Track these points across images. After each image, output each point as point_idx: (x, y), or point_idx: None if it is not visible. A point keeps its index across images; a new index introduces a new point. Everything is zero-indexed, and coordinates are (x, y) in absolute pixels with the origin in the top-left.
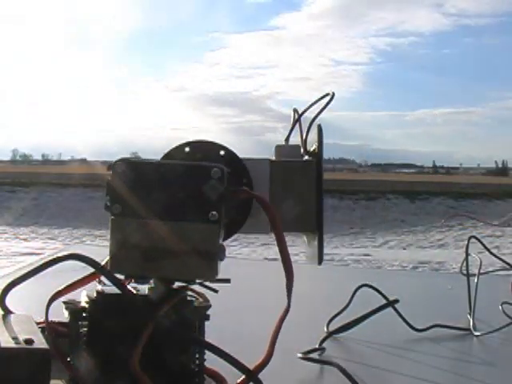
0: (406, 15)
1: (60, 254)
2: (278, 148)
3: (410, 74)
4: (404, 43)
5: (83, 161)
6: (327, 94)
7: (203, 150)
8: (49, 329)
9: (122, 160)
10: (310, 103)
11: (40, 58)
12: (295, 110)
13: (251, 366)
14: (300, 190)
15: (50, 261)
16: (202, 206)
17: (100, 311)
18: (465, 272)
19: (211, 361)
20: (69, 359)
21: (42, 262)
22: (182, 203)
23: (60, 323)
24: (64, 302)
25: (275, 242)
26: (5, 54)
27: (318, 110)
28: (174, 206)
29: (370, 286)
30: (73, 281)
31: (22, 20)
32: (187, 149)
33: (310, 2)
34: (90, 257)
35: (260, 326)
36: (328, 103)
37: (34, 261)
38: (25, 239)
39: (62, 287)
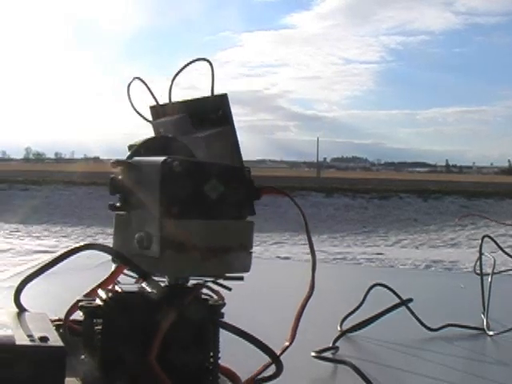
0: (416, 14)
1: (76, 245)
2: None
3: (421, 72)
4: (415, 42)
5: (96, 159)
6: (201, 59)
7: (154, 147)
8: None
9: (176, 159)
10: (180, 68)
11: (53, 57)
12: (155, 101)
13: (263, 362)
14: (225, 156)
15: (67, 252)
16: (240, 203)
17: (115, 310)
18: (478, 271)
19: (225, 358)
20: (83, 357)
21: (58, 254)
22: (225, 202)
23: (75, 321)
24: (78, 300)
25: (288, 241)
26: (18, 54)
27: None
28: (221, 205)
29: (384, 285)
30: (100, 281)
31: (34, 17)
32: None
33: (319, 1)
34: (109, 246)
35: (272, 322)
36: (213, 80)
37: (47, 259)
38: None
39: (89, 290)
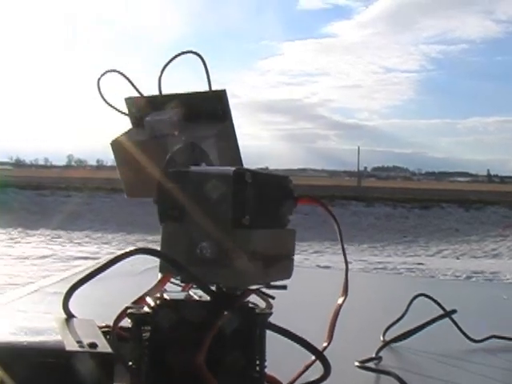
0: (457, 22)
1: (127, 249)
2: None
3: (461, 81)
4: (455, 51)
5: None
6: (190, 52)
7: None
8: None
9: (247, 170)
10: (168, 60)
11: (100, 64)
12: (138, 94)
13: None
14: (228, 152)
15: (118, 256)
16: (286, 212)
17: (163, 317)
18: None
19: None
20: (130, 364)
21: (108, 259)
22: (280, 211)
23: (122, 328)
24: (127, 307)
25: (328, 250)
26: (58, 61)
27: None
28: (277, 214)
29: (427, 296)
30: (148, 289)
31: (68, 23)
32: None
33: (360, 10)
34: (157, 249)
35: (312, 330)
36: (206, 70)
37: (92, 265)
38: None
39: (137, 297)
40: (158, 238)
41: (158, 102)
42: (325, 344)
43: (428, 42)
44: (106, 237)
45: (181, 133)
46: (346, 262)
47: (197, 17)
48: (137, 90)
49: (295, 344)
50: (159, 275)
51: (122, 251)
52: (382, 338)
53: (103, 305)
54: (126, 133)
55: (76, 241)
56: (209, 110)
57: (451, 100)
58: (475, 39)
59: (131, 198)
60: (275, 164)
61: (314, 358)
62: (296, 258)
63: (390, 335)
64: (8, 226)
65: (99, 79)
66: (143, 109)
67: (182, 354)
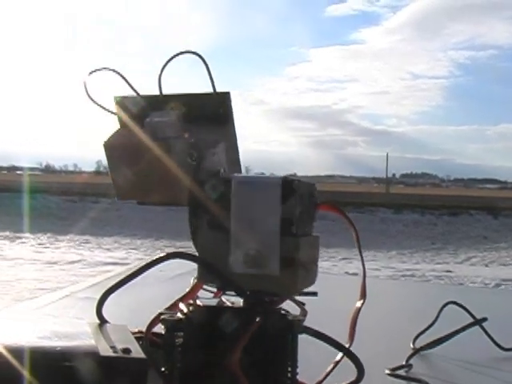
0: (485, 28)
1: (162, 254)
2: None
3: (490, 87)
4: (483, 56)
5: None
6: (189, 52)
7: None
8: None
9: (294, 178)
10: (167, 60)
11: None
12: (135, 93)
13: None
14: (229, 155)
15: (154, 260)
16: (313, 219)
17: (196, 323)
18: None
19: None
20: (163, 369)
21: (143, 263)
22: (310, 218)
23: (154, 333)
24: (160, 313)
25: (356, 257)
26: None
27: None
28: (310, 221)
29: (458, 304)
30: (181, 295)
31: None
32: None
33: (388, 17)
34: (194, 254)
35: (341, 337)
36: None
37: (123, 270)
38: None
39: (170, 303)
40: (187, 243)
41: (158, 102)
42: (346, 346)
43: (456, 47)
44: (134, 242)
45: (189, 136)
46: (364, 267)
47: (224, 24)
48: (133, 89)
49: (318, 350)
50: (192, 281)
51: (159, 255)
52: (412, 346)
53: (135, 310)
54: (120, 133)
55: (105, 246)
56: (211, 112)
57: (480, 106)
58: (503, 45)
59: (123, 201)
60: (303, 170)
61: (337, 361)
62: (324, 264)
63: (420, 343)
64: (37, 231)
65: (87, 76)
66: (142, 109)
67: (215, 359)
